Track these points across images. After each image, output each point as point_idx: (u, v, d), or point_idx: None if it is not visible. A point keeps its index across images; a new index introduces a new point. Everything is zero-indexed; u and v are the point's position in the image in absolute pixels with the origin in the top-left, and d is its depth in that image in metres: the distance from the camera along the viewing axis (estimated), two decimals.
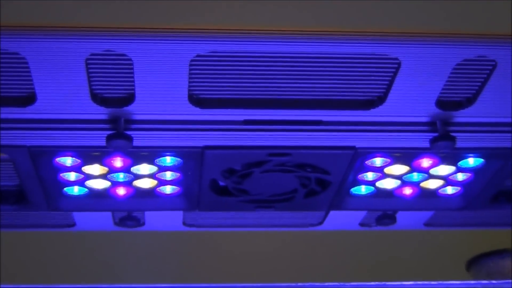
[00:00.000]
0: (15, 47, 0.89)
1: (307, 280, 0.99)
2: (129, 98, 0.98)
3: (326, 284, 0.82)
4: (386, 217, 1.32)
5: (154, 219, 1.34)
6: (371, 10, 0.89)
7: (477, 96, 1.00)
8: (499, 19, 0.88)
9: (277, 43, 0.91)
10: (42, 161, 1.09)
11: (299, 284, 0.83)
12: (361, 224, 1.38)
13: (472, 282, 0.85)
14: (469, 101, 1.02)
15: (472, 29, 0.90)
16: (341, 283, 0.83)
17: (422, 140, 1.07)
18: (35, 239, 1.55)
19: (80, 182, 1.16)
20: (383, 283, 0.82)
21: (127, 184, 1.17)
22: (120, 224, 1.34)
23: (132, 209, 1.27)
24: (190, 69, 0.94)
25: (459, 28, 0.90)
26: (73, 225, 1.36)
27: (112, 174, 1.14)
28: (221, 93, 1.00)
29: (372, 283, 0.83)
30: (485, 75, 0.97)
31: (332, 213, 1.32)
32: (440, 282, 0.83)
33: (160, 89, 0.97)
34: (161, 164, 1.12)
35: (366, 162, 1.13)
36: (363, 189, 1.22)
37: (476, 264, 1.49)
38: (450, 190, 1.22)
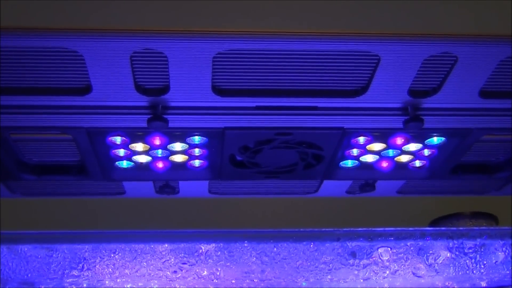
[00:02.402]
0: (74, 45, 0.86)
1: None
2: (165, 89, 0.95)
3: (322, 230, 0.78)
4: (368, 186, 1.28)
5: (186, 188, 1.30)
6: (356, 15, 0.85)
7: (441, 86, 0.96)
8: (461, 21, 0.84)
9: (282, 42, 0.87)
10: (97, 139, 1.06)
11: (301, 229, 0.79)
12: (348, 192, 1.34)
13: (443, 228, 0.81)
14: (434, 90, 0.98)
15: (437, 29, 0.86)
16: (333, 229, 0.79)
17: (396, 122, 1.03)
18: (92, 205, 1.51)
19: (128, 157, 1.12)
20: (368, 229, 0.78)
21: (165, 159, 1.13)
22: (160, 192, 1.30)
23: (169, 179, 1.23)
24: (213, 65, 0.90)
25: (427, 29, 0.86)
26: (123, 193, 1.32)
27: (152, 151, 1.10)
28: (238, 84, 0.96)
29: (360, 229, 0.79)
30: (448, 69, 0.93)
31: (325, 183, 1.27)
32: (417, 228, 0.79)
33: (190, 81, 0.93)
34: (191, 142, 1.08)
35: (352, 140, 1.09)
36: (349, 163, 1.17)
37: (438, 224, 1.45)
38: (418, 163, 1.17)
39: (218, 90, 0.96)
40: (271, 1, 0.84)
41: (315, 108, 1.01)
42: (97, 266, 0.69)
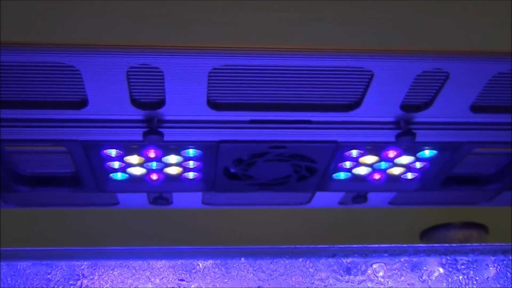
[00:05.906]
0: (71, 61, 0.86)
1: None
2: (161, 103, 0.96)
3: (317, 246, 0.79)
4: (360, 197, 1.28)
5: (180, 199, 1.31)
6: (350, 31, 0.86)
7: (433, 101, 0.97)
8: (452, 37, 0.86)
9: (277, 58, 0.88)
10: (92, 152, 1.06)
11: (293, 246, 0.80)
12: (340, 203, 1.34)
13: (437, 245, 0.82)
14: (426, 105, 0.99)
15: (430, 46, 0.87)
16: (329, 245, 0.80)
17: (389, 135, 1.04)
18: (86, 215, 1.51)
19: (122, 169, 1.12)
20: (363, 245, 0.79)
21: (159, 171, 1.14)
22: (153, 203, 1.30)
23: (163, 191, 1.24)
24: (208, 79, 0.91)
25: (419, 45, 0.87)
26: (117, 203, 1.32)
27: (147, 163, 1.11)
28: (232, 98, 0.97)
29: (354, 245, 0.80)
30: (440, 84, 0.94)
31: (317, 194, 1.28)
32: (411, 245, 0.80)
33: (185, 95, 0.94)
34: (185, 155, 1.08)
35: (345, 153, 1.10)
36: (342, 175, 1.18)
37: (428, 234, 1.45)
38: (410, 175, 1.18)
39: (213, 104, 0.97)
40: (266, 18, 0.85)
41: (309, 122, 1.02)
42: (96, 283, 0.69)
